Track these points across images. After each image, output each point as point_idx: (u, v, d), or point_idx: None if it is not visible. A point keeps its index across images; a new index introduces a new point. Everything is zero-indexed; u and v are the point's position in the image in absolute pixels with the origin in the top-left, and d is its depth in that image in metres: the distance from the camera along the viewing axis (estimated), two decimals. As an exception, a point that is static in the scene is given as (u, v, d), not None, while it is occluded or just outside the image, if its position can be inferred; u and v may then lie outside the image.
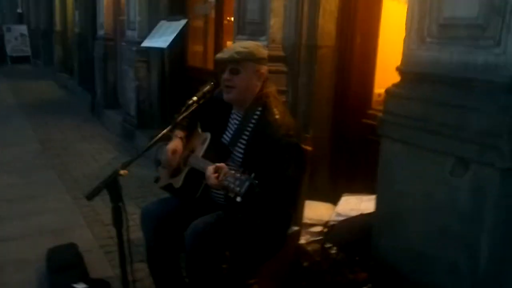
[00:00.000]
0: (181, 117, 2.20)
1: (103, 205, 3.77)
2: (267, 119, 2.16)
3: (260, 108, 2.22)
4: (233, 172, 1.85)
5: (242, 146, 2.21)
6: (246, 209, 2.00)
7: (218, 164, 1.97)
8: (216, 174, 1.93)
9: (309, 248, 2.58)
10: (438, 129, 1.96)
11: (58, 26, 12.29)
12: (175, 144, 2.37)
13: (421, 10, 2.08)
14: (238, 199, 1.77)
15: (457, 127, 1.89)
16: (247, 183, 1.76)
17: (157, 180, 2.50)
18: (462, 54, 1.91)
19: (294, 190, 2.17)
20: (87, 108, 8.25)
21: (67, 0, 11.27)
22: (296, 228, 2.47)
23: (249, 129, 2.22)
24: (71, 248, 3.07)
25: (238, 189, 1.78)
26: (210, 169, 1.97)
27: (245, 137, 2.21)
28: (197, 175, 2.19)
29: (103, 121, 7.40)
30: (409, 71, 2.15)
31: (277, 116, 2.16)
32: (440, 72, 2.00)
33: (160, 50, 5.55)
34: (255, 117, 2.22)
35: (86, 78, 9.12)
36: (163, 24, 5.51)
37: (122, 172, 1.87)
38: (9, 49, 15.71)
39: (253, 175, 1.78)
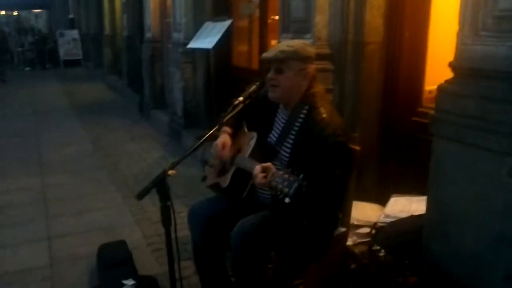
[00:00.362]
0: (227, 117, 2.20)
1: (151, 203, 3.86)
2: (314, 118, 2.13)
3: (306, 107, 2.19)
4: (281, 172, 1.83)
5: (289, 146, 2.19)
6: (294, 210, 1.97)
7: (265, 164, 1.96)
8: (264, 174, 1.91)
9: (357, 250, 2.53)
10: (495, 128, 1.86)
11: (107, 30, 12.70)
12: (224, 138, 2.36)
13: (475, 2, 1.98)
14: (287, 200, 1.75)
15: (516, 125, 1.79)
16: (295, 184, 1.74)
17: (204, 179, 2.52)
18: (521, 47, 1.81)
19: (342, 190, 2.12)
20: (135, 109, 8.46)
21: (116, 5, 11.62)
22: (343, 229, 2.42)
23: (295, 128, 2.19)
24: (121, 245, 3.14)
25: (286, 189, 1.75)
26: (258, 168, 1.96)
27: (292, 137, 2.19)
28: (243, 174, 2.18)
29: (151, 122, 7.56)
30: (463, 66, 2.05)
31: (324, 115, 2.12)
32: (496, 67, 1.90)
33: (205, 51, 5.60)
34: (302, 116, 2.19)
35: (134, 79, 9.36)
36: (208, 25, 5.56)
37: (170, 172, 1.89)
38: (62, 53, 16.43)
39: (301, 176, 1.76)
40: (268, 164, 1.95)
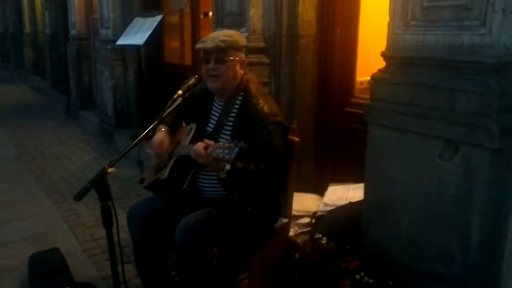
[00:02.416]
0: (166, 112, 2.15)
1: (84, 207, 3.69)
2: (250, 101, 2.17)
3: (241, 93, 2.22)
4: (221, 143, 1.84)
5: (228, 132, 2.19)
6: (241, 187, 2.02)
7: (206, 140, 1.94)
8: (205, 146, 1.89)
9: (299, 239, 2.55)
10: (427, 113, 1.94)
11: (27, 28, 12.04)
12: (161, 135, 2.31)
13: (404, -7, 2.05)
14: (228, 166, 1.75)
15: (446, 109, 1.88)
16: (236, 149, 1.74)
17: (141, 181, 2.43)
18: (448, 36, 1.89)
19: (284, 170, 2.17)
20: (61, 110, 8.05)
21: (36, 1, 11.00)
22: (285, 220, 2.44)
23: (233, 114, 2.21)
24: (54, 253, 2.96)
25: (227, 156, 1.75)
26: (199, 144, 1.93)
27: (230, 123, 2.20)
28: (183, 165, 2.16)
29: (79, 123, 7.23)
30: (394, 55, 2.12)
31: (259, 98, 2.18)
32: (426, 55, 1.98)
33: (136, 47, 5.44)
34: (238, 102, 2.22)
35: (59, 80, 8.92)
36: (138, 20, 5.39)
37: (110, 170, 1.81)
38: (-23, 54, 15.31)
39: (242, 142, 1.76)
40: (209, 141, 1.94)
